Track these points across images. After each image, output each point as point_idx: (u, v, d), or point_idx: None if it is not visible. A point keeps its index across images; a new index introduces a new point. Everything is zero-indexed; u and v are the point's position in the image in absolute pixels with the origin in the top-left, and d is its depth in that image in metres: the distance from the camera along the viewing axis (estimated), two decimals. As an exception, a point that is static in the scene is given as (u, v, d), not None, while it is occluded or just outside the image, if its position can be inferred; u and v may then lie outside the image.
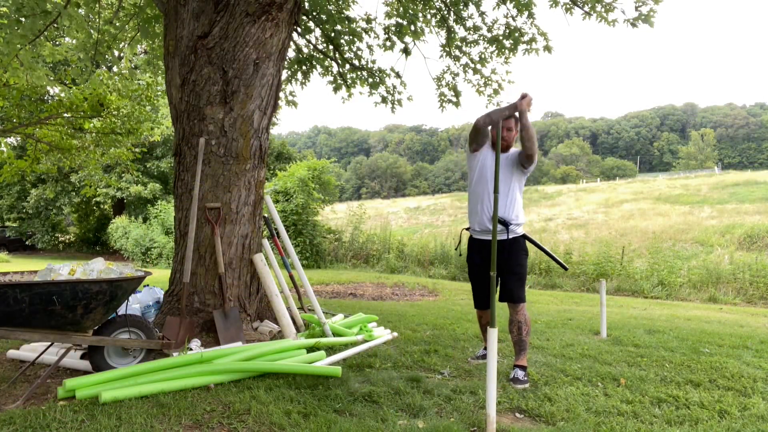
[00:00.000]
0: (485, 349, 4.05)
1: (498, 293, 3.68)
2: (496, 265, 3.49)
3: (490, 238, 3.57)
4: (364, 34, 6.88)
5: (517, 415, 2.91)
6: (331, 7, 6.60)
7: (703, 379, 3.54)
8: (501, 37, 6.76)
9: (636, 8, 5.58)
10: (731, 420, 2.82)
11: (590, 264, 12.29)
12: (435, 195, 60.87)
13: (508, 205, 3.58)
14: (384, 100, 7.49)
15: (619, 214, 27.17)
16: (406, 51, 6.98)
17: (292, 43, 6.13)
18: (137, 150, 11.17)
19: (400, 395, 3.06)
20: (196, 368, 3.15)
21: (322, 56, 7.16)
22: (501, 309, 5.67)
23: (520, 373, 3.45)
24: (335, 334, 4.53)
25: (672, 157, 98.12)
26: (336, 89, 7.38)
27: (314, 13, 6.46)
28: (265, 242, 4.82)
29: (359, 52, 7.10)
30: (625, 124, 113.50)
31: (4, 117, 9.19)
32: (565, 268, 4.22)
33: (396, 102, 7.50)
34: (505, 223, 3.56)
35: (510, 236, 3.58)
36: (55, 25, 5.54)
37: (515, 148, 3.70)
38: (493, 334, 2.65)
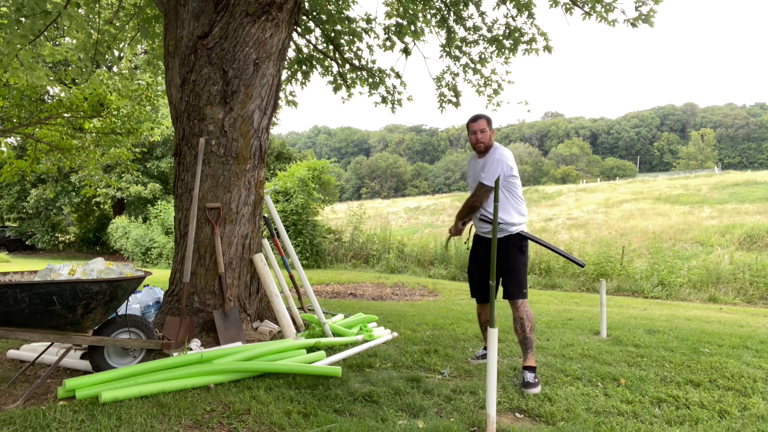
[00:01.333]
0: (485, 348, 4.05)
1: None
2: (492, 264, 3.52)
3: (483, 235, 3.77)
4: (364, 34, 6.88)
5: (517, 415, 2.91)
6: (331, 7, 6.60)
7: (703, 379, 3.54)
8: (501, 37, 6.76)
9: (636, 8, 5.59)
10: (731, 420, 2.82)
11: (590, 264, 12.29)
12: (435, 195, 60.91)
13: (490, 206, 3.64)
14: (384, 100, 7.49)
15: (619, 214, 27.16)
16: (406, 51, 6.98)
17: (292, 43, 6.13)
18: (137, 150, 11.17)
19: (400, 395, 3.06)
20: (196, 368, 3.15)
21: (322, 56, 7.16)
22: (500, 309, 5.66)
23: (529, 376, 3.32)
24: (335, 334, 4.53)
25: (672, 157, 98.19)
26: (336, 89, 7.38)
27: (314, 13, 6.46)
28: (265, 242, 4.82)
29: (359, 52, 7.11)
30: (625, 124, 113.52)
31: (4, 117, 9.19)
32: (582, 265, 4.15)
33: (396, 102, 7.50)
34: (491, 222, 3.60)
35: (501, 235, 3.58)
36: (55, 25, 5.54)
37: (496, 151, 3.61)
38: (493, 334, 2.65)
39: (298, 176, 15.26)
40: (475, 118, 3.68)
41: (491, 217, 3.59)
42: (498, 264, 3.57)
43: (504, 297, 3.63)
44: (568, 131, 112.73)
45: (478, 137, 3.64)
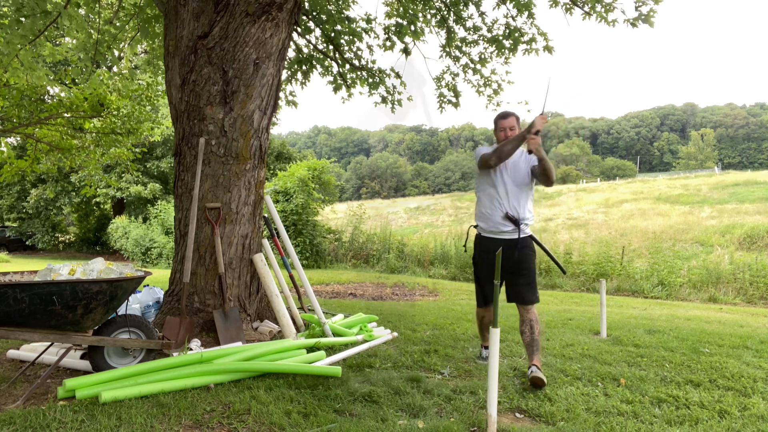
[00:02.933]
0: (486, 348, 4.04)
1: (506, 295, 3.64)
2: (505, 267, 3.44)
3: (500, 237, 3.56)
4: (364, 34, 6.88)
5: (517, 415, 2.91)
6: (331, 7, 6.60)
7: (703, 379, 3.54)
8: (501, 38, 6.76)
9: (636, 8, 5.59)
10: (731, 420, 2.82)
11: (590, 264, 12.29)
12: (435, 195, 60.95)
13: (522, 203, 3.54)
14: (384, 100, 7.48)
15: (619, 214, 27.16)
16: (406, 51, 6.98)
17: (292, 43, 6.13)
18: (137, 150, 11.16)
19: (400, 395, 3.06)
20: (196, 368, 3.15)
21: (322, 56, 7.16)
22: (502, 310, 5.62)
23: (540, 372, 3.33)
24: (335, 334, 4.53)
25: (672, 157, 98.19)
26: (336, 89, 7.38)
27: (314, 13, 6.46)
28: (265, 242, 4.82)
29: (359, 52, 7.11)
30: (625, 124, 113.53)
31: (4, 117, 9.19)
32: (564, 272, 4.21)
33: (396, 102, 7.50)
34: (516, 222, 3.51)
35: (521, 235, 3.52)
36: (55, 25, 5.53)
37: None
38: (495, 333, 2.65)
39: (298, 176, 15.27)
40: (506, 115, 3.65)
41: (516, 217, 3.50)
42: (515, 268, 3.50)
43: (520, 302, 3.53)
44: (568, 131, 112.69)
45: (507, 134, 3.59)
